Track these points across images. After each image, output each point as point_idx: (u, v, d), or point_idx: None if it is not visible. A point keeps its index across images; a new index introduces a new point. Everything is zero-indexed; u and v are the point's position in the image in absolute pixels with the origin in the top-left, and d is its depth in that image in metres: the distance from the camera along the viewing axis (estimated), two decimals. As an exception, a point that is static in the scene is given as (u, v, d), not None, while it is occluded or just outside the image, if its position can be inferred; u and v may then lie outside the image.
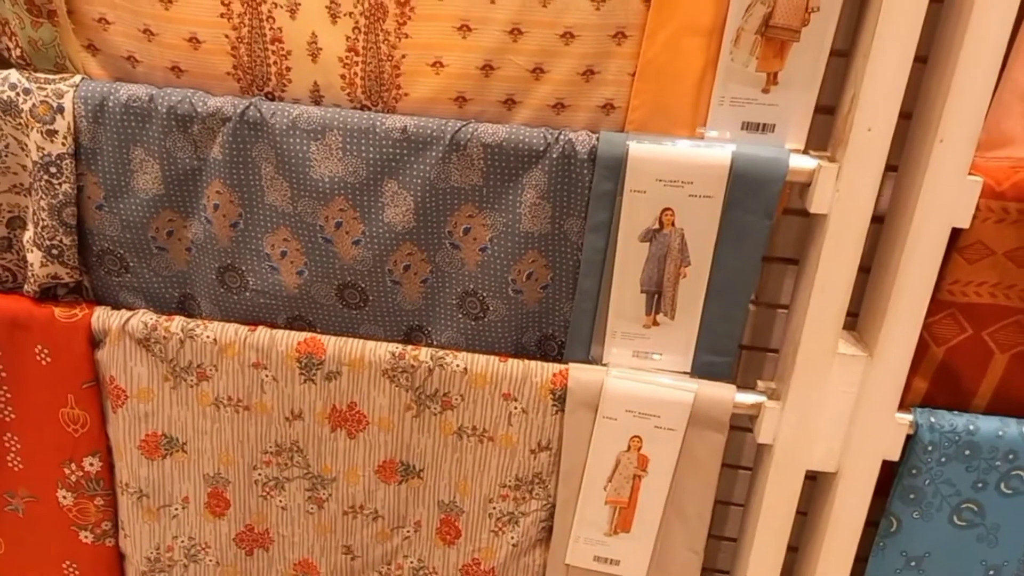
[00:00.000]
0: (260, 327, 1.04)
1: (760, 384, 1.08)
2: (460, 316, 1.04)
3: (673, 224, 0.97)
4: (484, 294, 1.02)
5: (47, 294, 1.05)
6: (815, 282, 0.97)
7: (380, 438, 1.06)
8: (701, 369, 1.04)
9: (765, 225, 0.96)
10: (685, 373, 1.04)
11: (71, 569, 1.16)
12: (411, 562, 1.13)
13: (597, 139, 0.94)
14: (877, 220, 0.97)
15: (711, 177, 0.94)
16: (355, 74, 0.95)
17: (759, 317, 1.14)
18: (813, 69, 0.93)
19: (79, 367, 1.05)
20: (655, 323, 1.02)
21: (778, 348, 1.13)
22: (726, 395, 1.02)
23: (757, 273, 0.99)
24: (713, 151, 0.94)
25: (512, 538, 1.09)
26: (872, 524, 1.07)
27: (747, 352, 1.16)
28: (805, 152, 0.96)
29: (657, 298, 1.01)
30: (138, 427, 1.08)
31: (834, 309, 0.98)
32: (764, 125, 0.96)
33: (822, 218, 0.96)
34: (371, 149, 0.95)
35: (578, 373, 1.02)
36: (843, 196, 0.94)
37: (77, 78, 0.97)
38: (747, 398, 1.03)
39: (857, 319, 1.06)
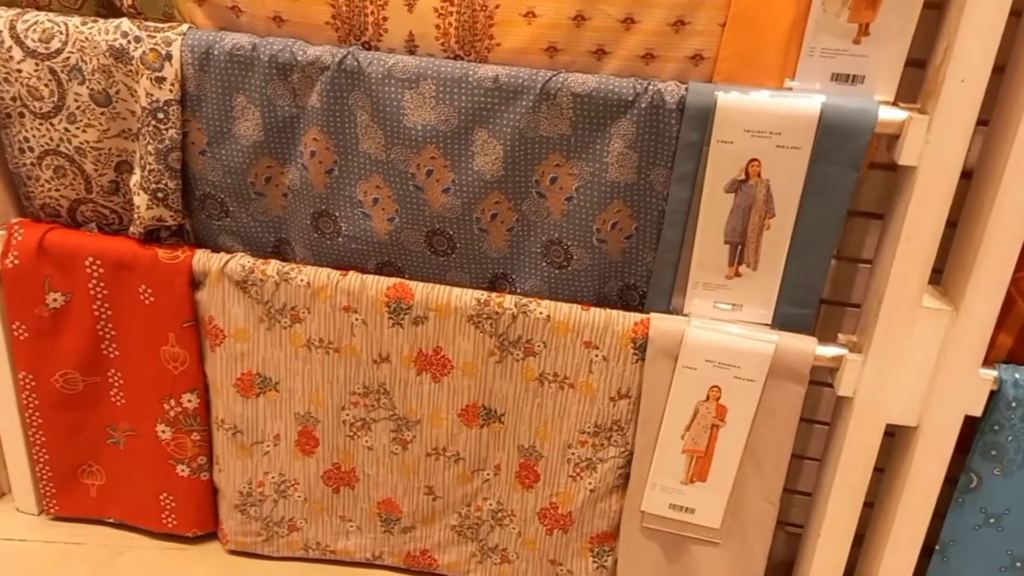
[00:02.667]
0: (351, 272, 1.13)
1: (841, 337, 1.12)
2: (544, 264, 1.11)
3: (759, 175, 1.02)
4: (568, 243, 1.08)
5: (151, 236, 1.16)
6: (901, 235, 1.01)
7: (464, 382, 1.14)
8: (782, 321, 1.09)
9: (852, 177, 1.00)
10: (766, 325, 1.09)
11: (167, 501, 1.26)
12: (490, 504, 1.21)
13: (686, 89, 0.99)
14: (965, 175, 1.00)
15: (799, 128, 0.98)
16: (449, 24, 1.02)
17: (838, 271, 1.19)
18: (906, 20, 0.96)
19: (180, 307, 1.14)
20: (737, 274, 1.07)
21: (857, 302, 1.18)
22: (807, 347, 1.07)
23: (841, 226, 1.04)
24: (802, 102, 0.98)
25: (589, 484, 1.16)
26: (951, 481, 1.11)
27: (826, 306, 1.20)
28: (895, 104, 1.00)
29: (740, 249, 1.06)
30: (234, 366, 1.17)
31: (920, 262, 1.02)
32: (854, 76, 0.99)
33: (911, 171, 0.99)
34: (463, 98, 1.02)
35: (659, 323, 1.08)
36: (933, 148, 0.97)
37: (184, 27, 1.06)
38: (828, 351, 1.08)
39: (942, 274, 1.09)
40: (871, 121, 0.98)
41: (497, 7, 1.00)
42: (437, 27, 1.02)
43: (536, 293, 1.13)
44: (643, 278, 1.10)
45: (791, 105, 0.98)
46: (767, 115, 0.99)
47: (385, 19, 1.03)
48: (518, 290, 1.13)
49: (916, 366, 1.07)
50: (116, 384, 1.21)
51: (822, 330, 1.14)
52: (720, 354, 1.08)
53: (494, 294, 1.10)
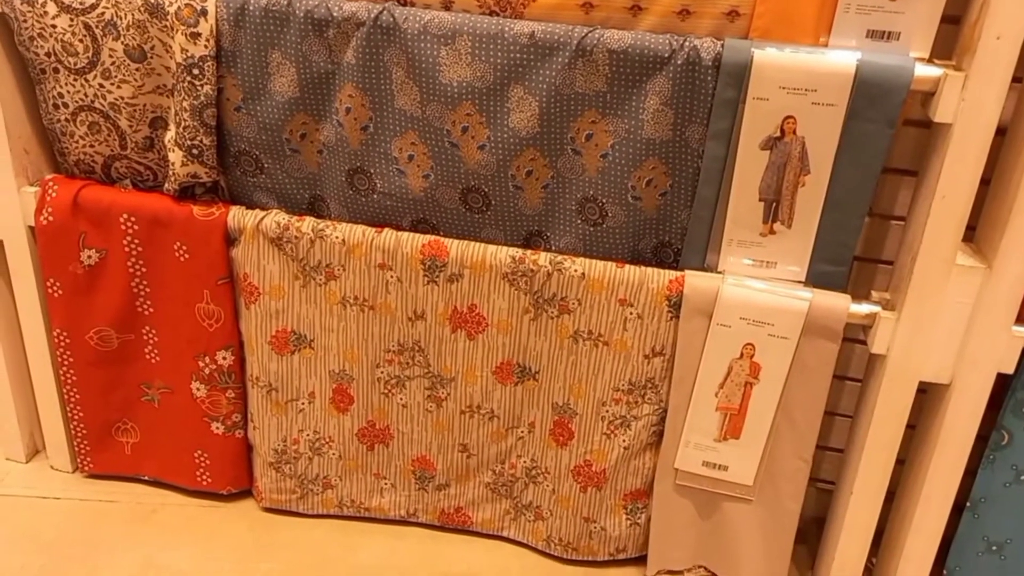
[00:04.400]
0: (386, 229, 1.15)
1: (874, 295, 1.14)
2: (579, 222, 1.12)
3: (795, 132, 1.03)
4: (603, 200, 1.10)
5: (185, 193, 1.18)
6: (936, 192, 1.03)
7: (498, 340, 1.16)
8: (816, 278, 1.11)
9: (887, 134, 1.02)
10: (799, 282, 1.11)
11: (202, 458, 1.29)
12: (524, 462, 1.23)
13: (722, 46, 1.01)
14: (999, 132, 1.01)
15: (835, 85, 1.00)
16: (485, -21, 1.03)
17: (871, 228, 1.20)
18: (943, -24, 0.97)
19: (215, 263, 1.17)
20: (771, 232, 1.09)
21: (890, 259, 1.19)
22: (841, 304, 1.09)
23: (875, 183, 1.05)
24: (838, 58, 1.00)
25: (623, 441, 1.18)
26: (982, 438, 1.14)
27: (858, 263, 1.22)
28: (930, 61, 1.01)
29: (775, 207, 1.08)
30: (269, 323, 1.20)
31: (954, 220, 1.04)
32: (889, 33, 1.01)
33: (946, 127, 1.01)
34: (499, 54, 1.03)
35: (694, 280, 1.10)
36: (968, 105, 0.99)
37: (220, -18, 1.06)
38: (862, 308, 1.10)
39: (975, 231, 1.10)
40: (907, 78, 0.99)
41: (534, -38, 1.02)
42: (474, -18, 1.04)
43: (571, 251, 1.15)
44: (678, 235, 1.12)
45: (827, 62, 1.00)
46: (803, 72, 1.00)
47: (422, -26, 1.04)
48: (553, 247, 1.15)
49: (949, 324, 1.09)
50: (151, 341, 1.24)
51: (855, 287, 1.16)
52: (754, 311, 1.10)
53: (529, 251, 1.12)
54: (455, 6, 1.06)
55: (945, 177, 1.02)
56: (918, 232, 1.06)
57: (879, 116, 1.01)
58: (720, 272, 1.12)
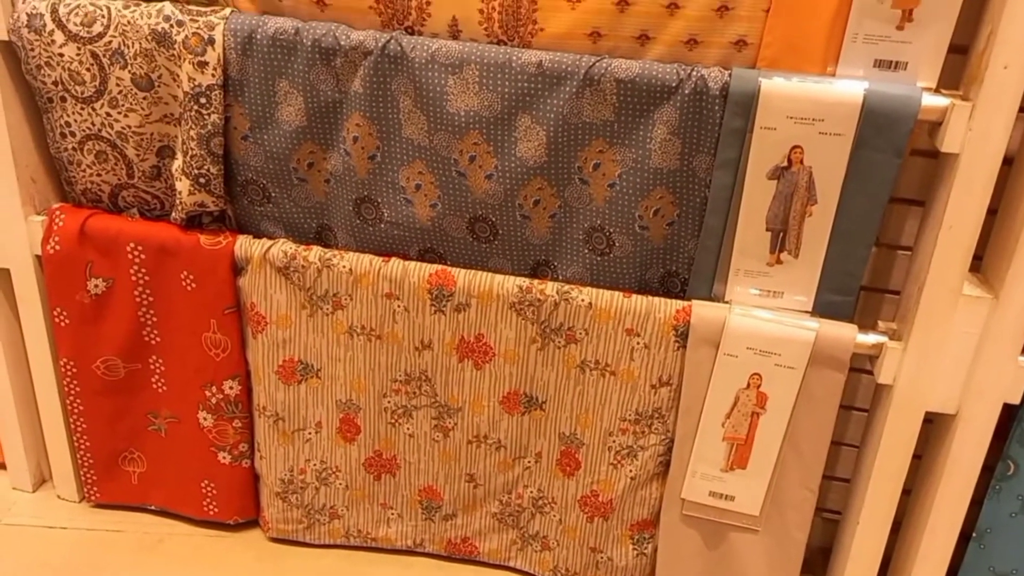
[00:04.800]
0: (393, 258, 1.13)
1: (881, 324, 1.12)
2: (586, 251, 1.10)
3: (802, 162, 1.02)
4: (611, 229, 1.08)
5: (192, 222, 1.16)
6: (943, 222, 1.01)
7: (505, 370, 1.14)
8: (822, 308, 1.09)
9: (894, 164, 1.01)
10: (806, 312, 1.09)
11: (209, 488, 1.27)
12: (531, 492, 1.21)
13: (729, 75, 0.99)
14: (1006, 162, 1.00)
15: (842, 115, 0.99)
16: (492, 8, 1.02)
17: (878, 257, 1.19)
18: (949, 6, 0.96)
19: (222, 293, 1.15)
20: (778, 261, 1.07)
21: (896, 289, 1.18)
22: (847, 334, 1.07)
23: (882, 213, 1.04)
24: (845, 88, 0.98)
25: (630, 471, 1.16)
26: (988, 468, 1.12)
27: (865, 292, 1.20)
28: (937, 91, 1.00)
29: (782, 236, 1.06)
30: (276, 353, 1.18)
31: (961, 250, 1.02)
32: (896, 63, 1.00)
33: (952, 157, 1.00)
34: (507, 83, 1.02)
35: (701, 310, 1.08)
36: (975, 135, 0.97)
37: (227, 11, 1.06)
38: (868, 338, 1.08)
39: (982, 261, 1.08)
40: (914, 108, 0.98)
41: (541, -7, 1.00)
42: (480, 11, 1.02)
43: (578, 280, 1.13)
44: (685, 265, 1.10)
45: (834, 91, 0.98)
46: (810, 101, 0.99)
47: (428, 3, 1.03)
48: (560, 277, 1.14)
49: (956, 354, 1.07)
50: (158, 371, 1.21)
51: (861, 316, 1.14)
52: (761, 341, 1.07)
53: (536, 281, 1.10)
54: (463, 35, 1.04)
55: (952, 207, 1.00)
56: (925, 262, 1.04)
57: (886, 146, 0.99)
58: (727, 302, 1.09)
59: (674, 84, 1.00)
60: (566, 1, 1.00)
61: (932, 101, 0.97)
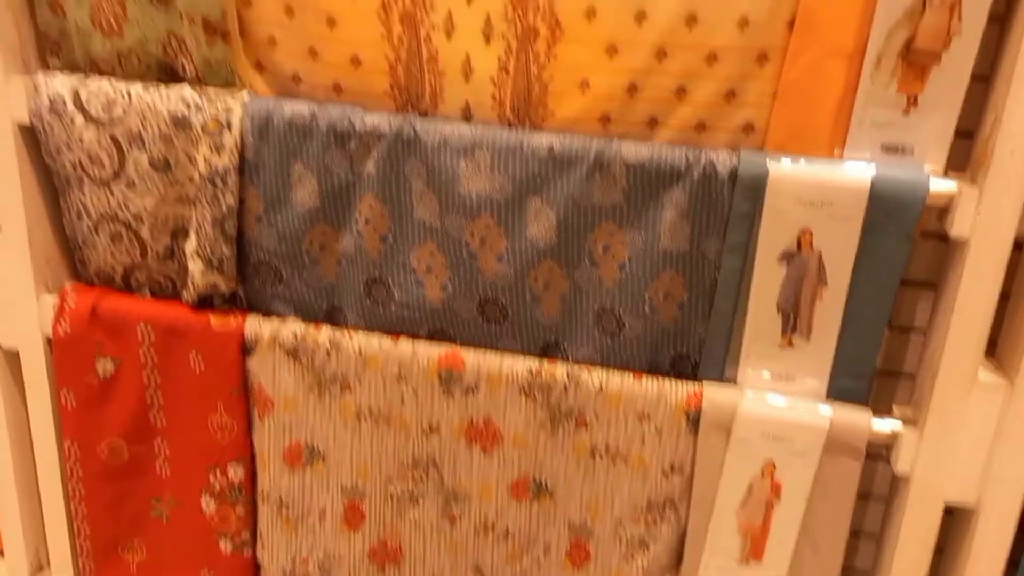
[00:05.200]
0: (403, 339, 1.11)
1: (896, 410, 1.09)
2: (596, 333, 1.08)
3: (811, 245, 1.00)
4: (621, 311, 1.06)
5: (203, 302, 1.14)
6: (955, 308, 0.99)
7: (514, 455, 1.11)
8: (837, 393, 1.06)
9: (904, 248, 0.99)
10: (820, 396, 1.06)
11: (208, 577, 1.21)
12: (540, 584, 1.15)
13: (738, 159, 0.99)
14: (1018, 247, 0.99)
15: (851, 199, 0.98)
16: (504, 93, 1.03)
17: (891, 341, 1.16)
18: (954, 92, 0.97)
19: (230, 374, 1.13)
20: (790, 344, 1.05)
21: (910, 372, 1.15)
22: (863, 421, 1.04)
23: (894, 296, 1.02)
24: (853, 172, 0.98)
25: (642, 563, 1.11)
26: (1013, 562, 1.07)
27: (878, 376, 1.17)
28: (945, 175, 0.99)
29: (793, 319, 1.04)
30: (282, 436, 1.15)
31: (974, 336, 1.00)
32: (903, 147, 0.99)
33: (962, 242, 0.98)
34: (518, 166, 1.02)
35: (713, 394, 1.05)
36: (984, 220, 0.96)
37: (245, 94, 1.07)
38: (884, 425, 1.05)
39: (997, 346, 1.06)
40: (922, 193, 0.97)
41: (552, 77, 1.01)
42: (493, 96, 1.03)
43: (588, 362, 1.10)
44: (696, 348, 1.08)
45: (842, 175, 0.98)
46: (818, 185, 0.98)
47: (442, 88, 1.04)
48: (570, 358, 1.11)
49: (973, 442, 1.03)
50: (162, 454, 1.18)
51: (875, 400, 1.11)
52: (775, 427, 1.04)
53: (546, 363, 1.08)
54: (475, 118, 1.05)
55: (964, 292, 0.98)
56: (938, 348, 1.01)
57: (896, 230, 0.98)
58: (739, 385, 1.07)
59: (683, 168, 0.99)
60: (577, 87, 1.01)
61: (940, 186, 0.97)
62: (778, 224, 1.00)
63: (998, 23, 0.97)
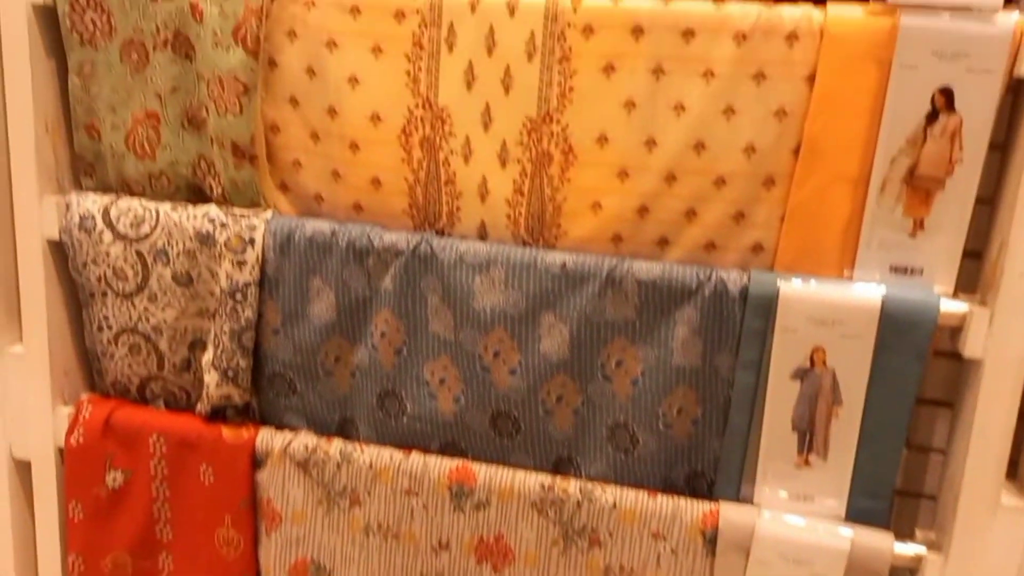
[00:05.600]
0: (414, 453, 1.10)
1: (919, 534, 1.05)
2: (610, 448, 1.07)
3: (824, 363, 1.00)
4: (634, 427, 1.05)
5: (216, 414, 1.14)
6: (973, 429, 0.98)
7: (525, 574, 1.07)
8: (856, 514, 1.03)
9: (917, 367, 0.98)
10: (839, 517, 1.03)
11: None
12: None
13: (748, 278, 0.99)
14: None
15: (862, 318, 0.98)
16: (519, 214, 1.05)
17: (910, 461, 1.13)
18: (959, 216, 0.98)
19: (239, 487, 1.11)
20: (807, 463, 1.03)
21: (931, 493, 1.12)
22: (884, 544, 1.01)
23: (910, 415, 1.00)
24: (863, 293, 0.98)
25: None
26: None
27: (899, 496, 1.13)
28: (955, 295, 0.99)
29: (809, 438, 1.02)
30: (289, 552, 1.12)
31: (994, 458, 0.98)
32: (912, 268, 1.00)
33: (976, 363, 0.97)
34: (531, 283, 1.03)
35: (729, 513, 1.02)
36: (997, 341, 0.96)
37: (268, 213, 1.10)
38: (907, 549, 1.02)
39: (1018, 468, 1.03)
40: (933, 313, 0.97)
41: (565, 199, 1.04)
42: (508, 216, 1.06)
43: (601, 478, 1.08)
44: (711, 465, 1.06)
45: (852, 296, 0.98)
46: (829, 305, 0.98)
47: (459, 208, 1.07)
48: (583, 474, 1.09)
49: (999, 567, 1.00)
50: (166, 569, 1.16)
51: (897, 522, 1.07)
52: (794, 549, 1.01)
53: (559, 478, 1.06)
54: (490, 236, 1.07)
55: (981, 413, 0.97)
56: (958, 470, 0.99)
57: (908, 349, 0.98)
58: (756, 505, 1.04)
59: (694, 285, 1.00)
60: (589, 208, 1.04)
61: (950, 307, 0.97)
62: (790, 342, 1.00)
63: (999, 150, 0.99)
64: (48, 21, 1.10)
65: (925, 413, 1.12)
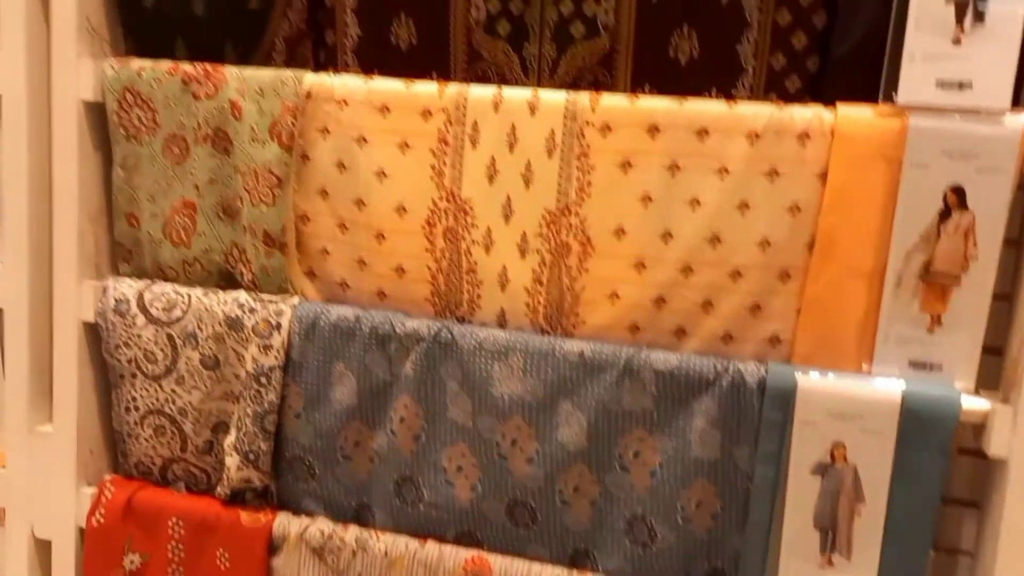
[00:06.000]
0: (429, 542, 1.08)
1: (950, 643, 1.01)
2: (627, 542, 1.05)
3: (845, 459, 0.98)
4: (652, 520, 1.04)
5: (235, 497, 1.14)
6: (1001, 531, 0.95)
7: (540, 674, 1.03)
8: (884, 621, 0.99)
9: (940, 465, 0.97)
10: (866, 623, 0.99)
11: None
12: None
13: (766, 370, 0.99)
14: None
15: (882, 414, 0.97)
16: (538, 302, 1.07)
17: (937, 563, 1.09)
18: (977, 312, 0.97)
19: (254, 572, 1.10)
20: (830, 563, 1.00)
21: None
22: (912, 650, 0.96)
23: (935, 515, 0.98)
24: (882, 388, 0.97)
25: None
26: None
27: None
28: (976, 392, 0.98)
29: (832, 536, 1.00)
30: (301, 639, 1.09)
31: (1022, 561, 0.94)
32: (931, 364, 0.99)
33: (1001, 462, 0.95)
34: (550, 371, 1.04)
35: (751, 615, 0.99)
36: (1021, 441, 0.93)
37: (295, 299, 1.13)
38: (937, 656, 0.97)
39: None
40: (954, 410, 0.96)
41: (583, 288, 1.06)
42: (527, 305, 1.07)
43: (619, 572, 1.06)
44: (731, 561, 1.03)
45: (872, 390, 0.97)
46: (848, 399, 0.97)
47: (479, 296, 1.09)
48: (600, 568, 1.07)
49: (1035, 676, 0.94)
50: (175, 658, 1.13)
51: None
52: (819, 658, 0.97)
53: (575, 572, 1.04)
54: (509, 324, 1.09)
55: (1008, 514, 0.94)
56: (987, 573, 0.96)
57: (930, 446, 0.96)
58: (778, 606, 1.01)
59: (711, 376, 1.00)
60: (606, 297, 1.05)
61: (972, 404, 0.95)
62: (809, 436, 0.98)
63: (1014, 246, 0.99)
64: (96, 117, 1.17)
65: (952, 513, 1.09)
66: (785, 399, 0.98)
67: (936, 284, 0.98)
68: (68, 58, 1.14)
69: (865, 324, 0.99)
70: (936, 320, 0.98)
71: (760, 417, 1.00)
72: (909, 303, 0.98)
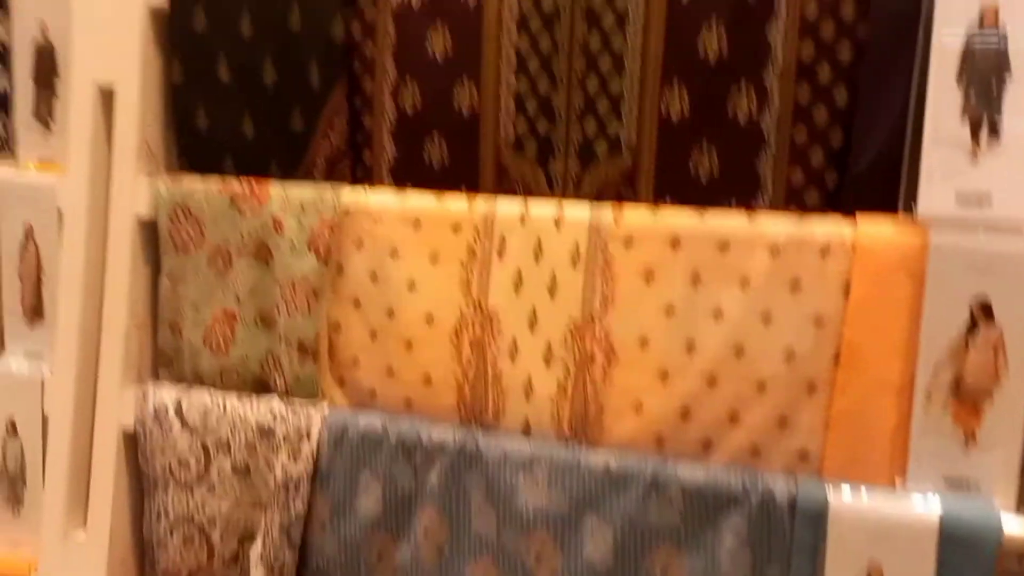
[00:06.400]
0: (449, 663, 1.04)
1: None
2: (657, 667, 1.00)
3: (886, 582, 0.93)
4: (681, 642, 0.99)
5: (256, 612, 1.11)
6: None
7: None
8: None
9: (985, 589, 0.91)
10: None
11: None
12: None
13: (796, 487, 0.96)
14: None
15: (921, 534, 0.93)
16: (563, 412, 1.07)
17: None
18: (1012, 427, 0.94)
19: None
20: None
21: None
22: None
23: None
24: (919, 508, 0.93)
25: None
26: None
27: None
28: (1017, 510, 0.93)
29: (873, 667, 0.93)
30: None
31: None
32: (967, 482, 0.95)
33: (1052, 595, 0.90)
34: (574, 484, 1.03)
35: None
36: (1067, 563, 0.88)
37: (325, 407, 1.14)
38: None
39: None
40: (996, 533, 0.91)
41: (608, 399, 1.05)
42: (551, 414, 1.07)
43: None
44: None
45: (908, 510, 0.93)
46: (883, 519, 0.94)
47: (504, 405, 1.09)
48: None
49: None
50: None
51: None
52: None
53: None
54: (534, 434, 1.08)
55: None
56: None
57: (973, 570, 0.91)
58: None
59: (739, 493, 0.97)
60: (631, 409, 1.04)
61: (1014, 526, 0.90)
62: (844, 557, 0.94)
63: (1048, 359, 0.97)
64: (149, 233, 1.23)
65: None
66: (817, 518, 0.95)
67: (967, 399, 0.95)
68: (127, 177, 1.21)
69: (896, 438, 0.96)
70: (971, 435, 0.95)
71: (792, 536, 0.96)
72: (941, 418, 0.95)
